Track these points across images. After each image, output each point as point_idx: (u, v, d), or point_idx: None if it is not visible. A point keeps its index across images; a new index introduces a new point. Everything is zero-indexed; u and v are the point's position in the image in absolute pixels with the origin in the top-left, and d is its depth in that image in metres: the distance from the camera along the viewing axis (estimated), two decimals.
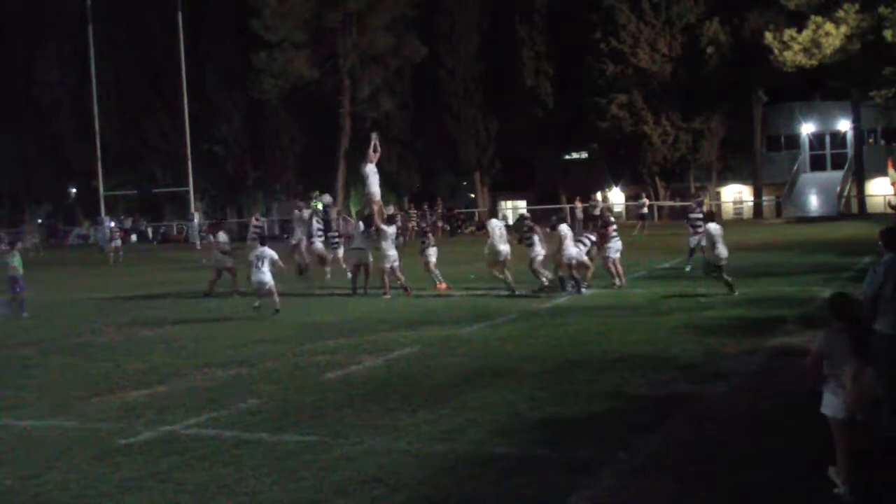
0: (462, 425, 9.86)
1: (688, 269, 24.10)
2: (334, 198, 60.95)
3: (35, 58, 66.53)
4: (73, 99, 65.52)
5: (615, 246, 22.23)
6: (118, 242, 44.41)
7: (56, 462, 9.26)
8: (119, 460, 9.23)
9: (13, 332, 19.45)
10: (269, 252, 20.28)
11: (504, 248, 21.49)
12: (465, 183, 67.36)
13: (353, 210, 59.80)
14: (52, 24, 65.79)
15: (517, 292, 21.17)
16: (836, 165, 59.49)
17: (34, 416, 11.43)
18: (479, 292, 22.35)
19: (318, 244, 27.18)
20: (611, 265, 22.05)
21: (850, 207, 54.09)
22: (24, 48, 66.44)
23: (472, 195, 65.54)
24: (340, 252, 27.58)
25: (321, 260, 27.10)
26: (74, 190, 74.78)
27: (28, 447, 9.94)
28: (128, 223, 63.10)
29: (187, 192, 57.06)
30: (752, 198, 58.73)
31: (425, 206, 55.93)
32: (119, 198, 63.63)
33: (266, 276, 19.95)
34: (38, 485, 8.58)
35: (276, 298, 20.04)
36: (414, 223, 51.06)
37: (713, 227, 19.91)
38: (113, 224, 55.16)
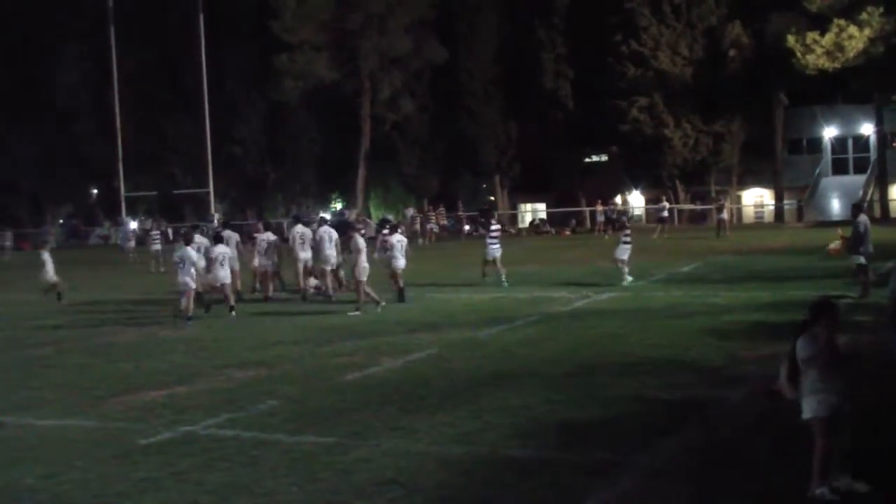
0: (480, 428, 9.86)
1: (630, 280, 23.28)
2: (354, 200, 61.16)
3: (55, 59, 66.89)
4: (93, 100, 65.85)
5: (493, 247, 24.46)
6: (157, 247, 39.45)
7: (76, 461, 9.32)
8: (138, 460, 9.28)
9: (34, 332, 19.58)
10: (191, 253, 20.24)
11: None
12: (484, 185, 67.32)
13: (374, 213, 59.92)
14: (72, 25, 66.10)
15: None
16: (859, 169, 59.08)
17: (54, 415, 11.50)
18: (499, 294, 22.35)
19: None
20: (488, 265, 24.58)
21: (873, 211, 53.65)
22: (45, 49, 66.78)
23: (492, 197, 65.49)
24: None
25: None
26: (95, 191, 75.17)
27: (48, 446, 10.01)
28: (148, 224, 63.25)
29: (207, 193, 57.29)
30: (773, 201, 58.37)
31: (442, 208, 55.95)
32: (139, 198, 63.91)
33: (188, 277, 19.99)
34: (59, 483, 8.64)
35: (186, 304, 19.87)
36: (432, 224, 51.11)
37: (397, 237, 21.68)
38: (134, 226, 55.37)
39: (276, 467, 8.78)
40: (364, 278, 20.30)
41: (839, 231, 21.42)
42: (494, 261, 24.50)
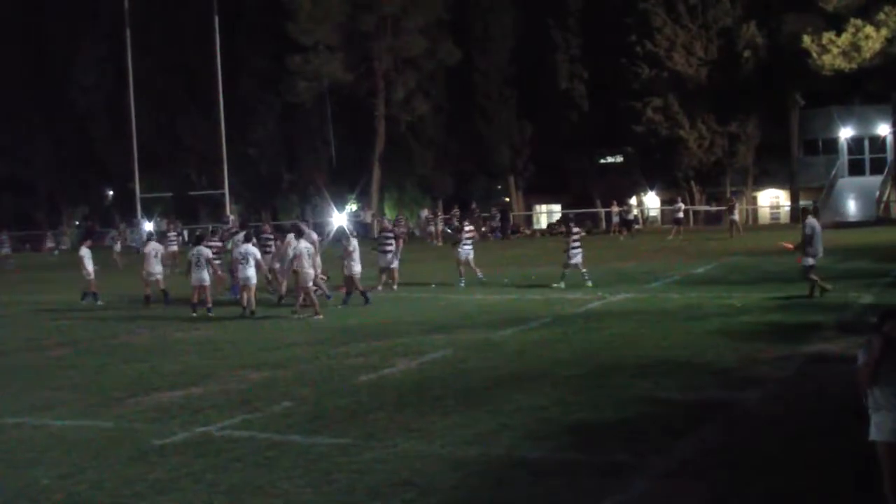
0: (495, 429, 9.86)
1: (561, 285, 23.23)
2: (369, 201, 61.23)
3: (72, 61, 67.16)
4: (109, 101, 66.06)
5: (465, 249, 25.41)
6: (174, 248, 38.01)
7: (91, 462, 9.36)
8: (154, 461, 9.31)
9: (50, 333, 19.66)
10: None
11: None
12: (499, 186, 67.27)
13: (388, 213, 59.92)
14: (88, 28, 66.39)
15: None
16: (876, 170, 58.66)
17: (71, 416, 11.55)
18: (512, 296, 22.34)
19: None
20: (461, 266, 25.21)
21: (890, 212, 53.41)
22: (61, 51, 67.07)
23: (507, 199, 65.44)
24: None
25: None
26: (111, 192, 75.42)
27: (64, 447, 10.05)
28: (163, 225, 63.47)
29: (222, 194, 57.37)
30: (788, 202, 58.13)
31: (456, 209, 55.89)
32: (155, 199, 64.04)
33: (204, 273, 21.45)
34: (74, 484, 8.67)
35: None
36: (442, 226, 51.07)
37: (353, 244, 22.13)
38: (150, 227, 55.46)
39: (290, 468, 8.80)
40: (308, 284, 20.40)
41: (783, 244, 21.62)
42: (467, 261, 25.42)
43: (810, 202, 55.85)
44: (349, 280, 21.97)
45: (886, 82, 50.45)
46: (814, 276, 19.32)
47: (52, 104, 67.14)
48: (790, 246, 20.57)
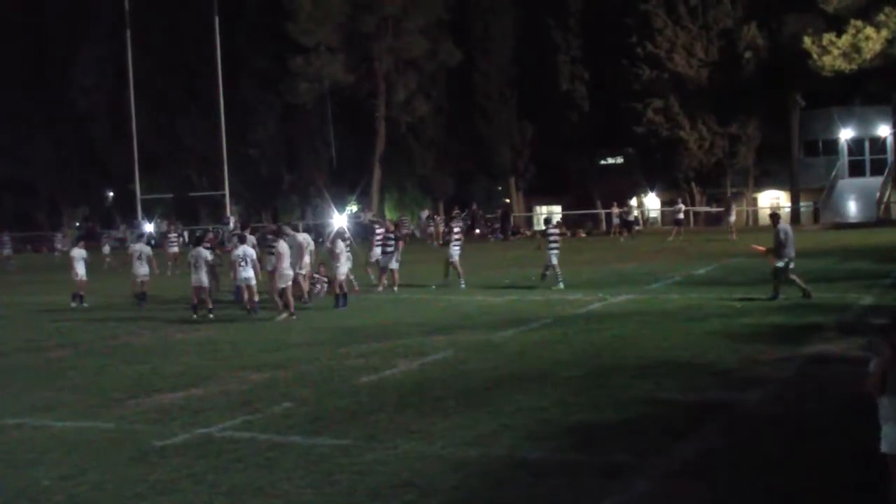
0: (495, 430, 9.86)
1: (561, 286, 23.38)
2: (369, 202, 61.22)
3: (72, 61, 67.21)
4: (109, 102, 66.09)
5: (455, 249, 25.41)
6: (175, 249, 37.16)
7: (92, 463, 9.36)
8: (154, 462, 9.31)
9: (50, 334, 19.67)
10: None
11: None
12: (499, 188, 67.27)
13: (388, 214, 59.89)
14: (89, 28, 66.42)
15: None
16: (876, 171, 58.66)
17: (72, 417, 11.55)
18: (512, 297, 22.34)
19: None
20: (458, 267, 25.24)
21: (890, 213, 53.37)
22: (62, 52, 67.12)
23: (508, 200, 65.43)
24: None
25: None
26: (111, 193, 75.45)
27: (65, 448, 10.05)
28: (164, 227, 63.43)
29: (223, 195, 57.38)
30: (789, 203, 58.08)
31: (457, 210, 55.89)
32: (155, 200, 64.09)
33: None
34: (75, 485, 8.68)
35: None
36: (443, 227, 51.03)
37: (341, 246, 22.16)
38: (150, 228, 55.46)
39: (291, 469, 8.80)
40: (283, 285, 20.47)
41: (754, 247, 21.78)
42: (453, 263, 25.42)
43: (810, 203, 56.12)
44: (336, 281, 22.01)
45: (887, 83, 50.45)
46: (795, 278, 19.51)
47: (52, 104, 67.15)
48: (762, 249, 20.68)
